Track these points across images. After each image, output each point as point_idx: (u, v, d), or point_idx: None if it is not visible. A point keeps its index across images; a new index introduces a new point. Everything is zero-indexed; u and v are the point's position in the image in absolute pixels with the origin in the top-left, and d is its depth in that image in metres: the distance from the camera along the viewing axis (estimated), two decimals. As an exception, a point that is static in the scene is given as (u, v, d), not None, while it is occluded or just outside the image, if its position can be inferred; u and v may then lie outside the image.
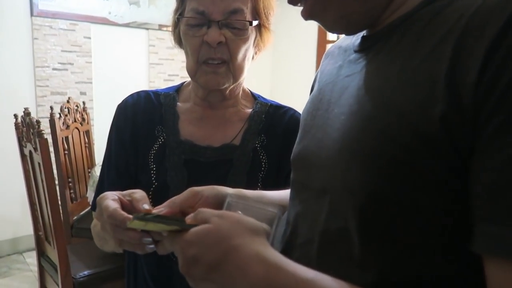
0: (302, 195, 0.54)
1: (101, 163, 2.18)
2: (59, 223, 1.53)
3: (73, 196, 2.11)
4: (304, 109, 0.62)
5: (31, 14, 2.60)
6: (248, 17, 0.75)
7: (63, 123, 2.07)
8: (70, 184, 2.08)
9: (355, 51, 0.53)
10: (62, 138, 2.05)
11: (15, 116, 1.72)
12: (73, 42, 2.80)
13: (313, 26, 3.60)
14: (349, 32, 0.53)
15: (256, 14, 0.77)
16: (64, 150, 2.05)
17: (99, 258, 1.74)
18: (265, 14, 0.78)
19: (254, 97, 0.90)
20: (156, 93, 0.86)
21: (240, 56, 0.76)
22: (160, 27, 3.20)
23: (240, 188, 0.65)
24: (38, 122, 1.48)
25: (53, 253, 1.63)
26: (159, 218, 0.47)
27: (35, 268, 2.46)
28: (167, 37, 3.21)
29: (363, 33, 0.53)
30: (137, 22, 3.07)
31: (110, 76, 3.01)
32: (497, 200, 0.35)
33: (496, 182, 0.35)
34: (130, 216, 0.52)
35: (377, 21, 0.49)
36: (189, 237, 0.44)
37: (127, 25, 3.02)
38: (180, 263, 0.44)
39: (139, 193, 0.57)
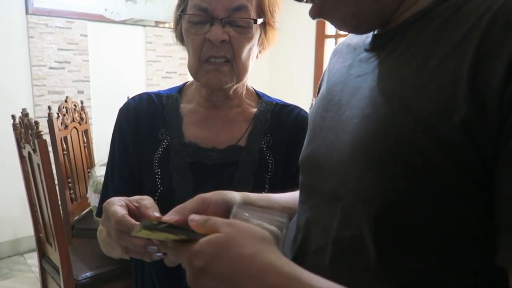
0: (313, 199, 0.52)
1: (100, 163, 2.17)
2: (60, 225, 1.51)
3: (73, 196, 2.09)
4: (312, 110, 0.59)
5: (26, 12, 2.57)
6: (253, 14, 0.73)
7: (61, 123, 2.05)
8: (70, 184, 2.06)
9: (366, 50, 0.51)
10: (61, 138, 2.03)
11: (13, 117, 1.70)
12: (69, 40, 2.76)
13: (311, 20, 3.56)
14: (360, 31, 0.51)
15: (261, 12, 0.75)
16: (63, 150, 2.03)
17: (101, 258, 1.73)
18: (270, 11, 0.76)
19: (259, 96, 0.88)
20: (158, 94, 0.84)
21: (244, 55, 0.74)
22: (157, 23, 3.17)
23: (246, 191, 0.63)
24: (36, 123, 1.46)
25: (54, 254, 1.61)
26: (166, 228, 0.46)
27: (36, 269, 2.45)
28: (165, 34, 3.19)
29: (374, 31, 0.50)
30: (134, 19, 3.04)
31: (107, 74, 2.98)
32: None
33: None
34: (138, 223, 0.50)
35: (389, 19, 0.47)
36: (198, 248, 0.42)
37: (123, 22, 2.99)
38: (188, 275, 0.43)
39: (147, 200, 0.56)
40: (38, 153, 1.45)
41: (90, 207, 2.10)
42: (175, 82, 3.33)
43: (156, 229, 0.45)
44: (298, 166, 0.79)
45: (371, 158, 0.41)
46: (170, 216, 0.52)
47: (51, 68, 2.71)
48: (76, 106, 2.27)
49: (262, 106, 0.84)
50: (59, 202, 1.57)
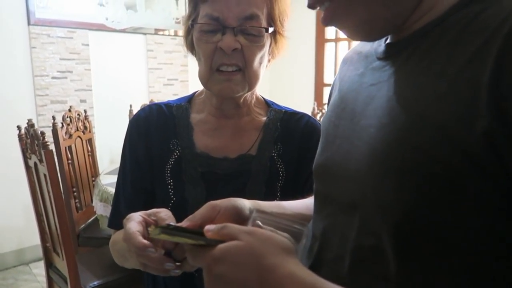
0: (328, 208, 0.52)
1: (105, 172, 2.17)
2: (67, 234, 1.52)
3: (78, 205, 2.10)
4: (325, 118, 0.60)
5: (28, 23, 2.59)
6: (264, 23, 0.73)
7: (65, 133, 2.06)
8: (75, 193, 2.07)
9: (379, 58, 0.51)
10: (65, 147, 2.04)
11: (19, 127, 1.71)
12: (71, 50, 2.78)
13: (311, 24, 3.59)
14: (371, 38, 0.51)
15: (271, 21, 0.75)
16: (67, 159, 2.04)
17: (107, 267, 1.73)
18: (280, 20, 0.76)
19: (268, 104, 0.88)
20: (168, 105, 0.85)
21: (255, 63, 0.74)
22: (156, 31, 3.19)
23: (259, 199, 0.64)
24: (42, 133, 1.47)
25: (61, 264, 1.62)
26: (181, 231, 0.46)
27: (42, 278, 2.45)
28: (165, 41, 3.20)
29: (386, 39, 0.51)
30: (135, 27, 3.06)
31: (109, 83, 3.00)
32: None
33: None
34: (147, 242, 0.52)
35: (401, 27, 0.47)
36: (217, 254, 0.42)
37: (124, 30, 3.01)
38: (206, 280, 0.43)
39: (164, 212, 0.57)
40: (44, 163, 1.46)
41: (96, 215, 2.10)
42: (177, 89, 3.35)
43: (173, 233, 0.45)
44: (309, 173, 0.80)
45: (390, 168, 0.41)
46: (182, 224, 0.53)
47: (53, 77, 2.73)
48: (79, 115, 2.28)
49: (271, 114, 0.85)
50: (66, 212, 1.58)
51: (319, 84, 3.70)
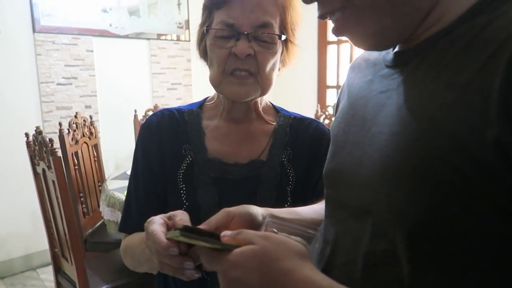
0: (340, 213, 0.53)
1: (111, 177, 2.18)
2: (75, 239, 1.53)
3: (85, 210, 2.12)
4: (334, 124, 0.61)
5: (33, 31, 2.61)
6: (276, 31, 0.75)
7: (72, 139, 2.08)
8: (82, 199, 2.09)
9: (388, 66, 0.52)
10: (72, 153, 2.06)
11: (26, 134, 1.73)
12: (75, 56, 2.81)
13: (313, 26, 3.60)
14: (380, 49, 0.52)
15: (283, 29, 0.77)
16: (74, 165, 2.06)
17: (115, 271, 1.75)
18: (291, 29, 0.78)
19: (276, 110, 0.89)
20: (180, 110, 0.86)
21: (268, 68, 0.76)
22: (159, 36, 3.21)
23: (270, 204, 0.65)
24: (51, 140, 1.49)
25: (70, 269, 1.63)
26: (199, 234, 0.47)
27: (50, 284, 2.47)
28: (168, 46, 3.22)
29: (394, 47, 0.52)
30: (138, 32, 3.08)
31: (114, 88, 3.02)
32: None
33: None
34: (170, 242, 0.53)
35: (410, 36, 0.48)
36: (234, 258, 0.43)
37: (128, 36, 3.04)
38: (223, 284, 0.44)
39: (179, 216, 0.59)
40: (53, 169, 1.48)
41: (103, 220, 2.12)
42: (180, 93, 3.37)
43: (192, 236, 0.46)
44: (318, 177, 0.81)
45: (402, 175, 0.42)
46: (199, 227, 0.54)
47: (58, 84, 2.75)
48: (85, 121, 2.30)
49: (280, 120, 0.86)
50: (74, 217, 1.60)
51: (321, 86, 3.71)
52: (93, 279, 1.66)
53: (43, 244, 1.88)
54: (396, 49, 0.51)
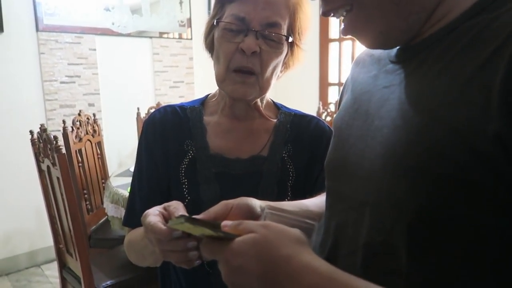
0: (341, 204, 0.54)
1: (115, 174, 2.21)
2: (80, 235, 1.56)
3: (89, 207, 2.14)
4: (338, 117, 0.62)
5: (37, 30, 2.64)
6: (284, 33, 0.77)
7: (75, 136, 2.10)
8: (86, 195, 2.12)
9: (392, 62, 0.53)
10: (76, 151, 2.08)
11: (31, 132, 1.75)
12: (79, 55, 2.83)
13: (315, 24, 3.61)
14: (387, 47, 0.53)
15: (291, 31, 0.79)
16: (78, 162, 2.08)
17: (119, 267, 1.77)
18: (299, 32, 0.80)
19: (277, 107, 0.91)
20: (182, 107, 0.87)
21: (270, 69, 0.77)
22: (162, 34, 3.23)
23: (271, 199, 0.66)
24: (55, 137, 1.51)
25: (75, 264, 1.65)
26: (199, 222, 0.48)
27: (54, 280, 2.50)
28: (170, 44, 3.23)
29: None
30: (140, 31, 3.10)
31: (117, 86, 3.04)
32: None
33: None
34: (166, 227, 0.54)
35: (415, 34, 0.49)
36: (235, 246, 0.43)
37: (130, 34, 3.05)
38: (225, 272, 0.44)
39: (174, 204, 0.60)
40: (57, 166, 1.50)
41: (106, 217, 2.14)
42: (183, 91, 3.38)
43: (193, 223, 0.47)
44: (319, 172, 0.82)
45: (404, 168, 0.43)
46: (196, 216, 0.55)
47: (62, 82, 2.78)
48: (89, 119, 2.32)
49: (281, 117, 0.88)
50: (79, 213, 1.62)
51: (323, 84, 3.72)
52: (97, 275, 1.69)
53: (48, 240, 1.90)
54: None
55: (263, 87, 0.79)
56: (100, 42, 2.92)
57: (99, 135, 2.42)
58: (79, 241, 1.56)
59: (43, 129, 1.61)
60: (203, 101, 0.90)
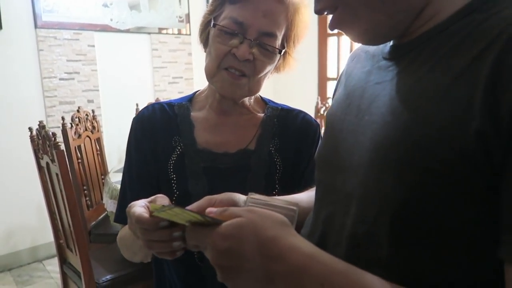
0: (330, 197, 0.56)
1: (114, 170, 2.22)
2: (79, 230, 1.57)
3: (89, 203, 2.16)
4: (330, 111, 0.63)
5: (35, 26, 2.64)
6: (279, 42, 0.77)
7: (75, 133, 2.12)
8: (85, 191, 2.13)
9: (385, 58, 0.54)
10: (75, 147, 2.09)
11: (30, 129, 1.76)
12: (77, 51, 2.83)
13: (313, 19, 3.60)
14: (375, 43, 0.54)
15: (285, 41, 0.79)
16: (77, 159, 2.10)
17: (119, 262, 1.79)
18: (294, 42, 0.81)
19: (265, 101, 0.92)
20: (170, 104, 0.88)
21: (261, 75, 0.79)
22: (161, 30, 3.23)
23: (258, 191, 0.67)
24: (54, 134, 1.52)
25: (75, 259, 1.67)
26: (181, 209, 0.48)
27: (56, 275, 2.53)
28: (169, 40, 3.22)
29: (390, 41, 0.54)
30: (139, 27, 3.10)
31: (116, 83, 3.05)
32: None
33: None
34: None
35: (405, 32, 0.50)
36: (223, 230, 0.45)
37: (129, 30, 3.06)
38: (212, 256, 0.45)
39: (159, 197, 0.61)
40: (56, 163, 1.51)
41: (106, 212, 2.16)
42: (182, 86, 3.39)
43: (176, 211, 0.48)
44: (306, 165, 0.84)
45: (390, 161, 0.45)
46: None
47: (61, 79, 2.79)
48: (88, 116, 2.34)
49: (268, 111, 0.89)
50: (78, 209, 1.64)
51: (322, 78, 3.72)
52: (98, 270, 1.71)
53: (49, 236, 1.92)
54: (393, 42, 0.54)
55: (253, 89, 0.80)
56: (99, 38, 2.92)
57: (98, 131, 2.43)
58: (78, 236, 1.57)
59: (41, 126, 1.62)
60: (191, 98, 0.91)
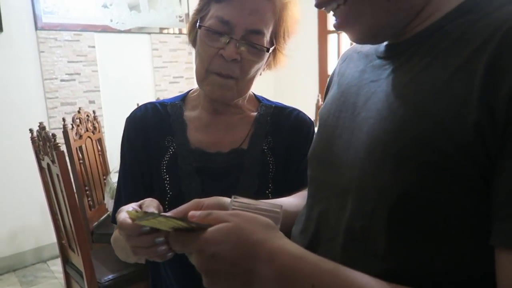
0: (324, 193, 0.56)
1: (115, 170, 2.23)
2: (81, 230, 1.58)
3: (91, 203, 2.17)
4: (323, 110, 0.63)
5: (36, 28, 2.65)
6: (267, 40, 0.76)
7: (76, 134, 2.13)
8: (87, 192, 2.14)
9: (379, 57, 0.55)
10: (76, 148, 2.10)
11: (31, 130, 1.77)
12: (78, 52, 2.85)
13: (313, 16, 3.60)
14: (375, 41, 0.55)
15: (274, 38, 0.78)
16: (79, 159, 2.11)
17: (121, 262, 1.77)
18: (284, 38, 0.80)
19: (258, 99, 0.92)
20: (163, 103, 0.88)
21: (250, 75, 0.78)
22: (161, 30, 3.24)
23: (252, 191, 0.67)
24: (54, 135, 1.53)
25: (77, 259, 1.68)
26: (164, 217, 0.48)
27: (60, 275, 2.54)
28: (169, 40, 3.22)
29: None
30: (139, 27, 3.11)
31: (116, 83, 3.06)
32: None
33: None
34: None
35: (402, 31, 0.51)
36: (209, 236, 0.45)
37: (129, 31, 3.06)
38: (199, 261, 0.45)
39: (146, 202, 0.61)
40: (57, 164, 1.52)
41: (108, 212, 2.17)
42: (182, 86, 3.40)
43: (158, 219, 0.47)
44: (299, 163, 0.83)
45: (388, 154, 0.45)
46: (164, 214, 0.56)
47: (62, 80, 2.80)
48: (89, 116, 2.35)
49: (262, 109, 0.88)
50: (79, 209, 1.65)
51: (323, 76, 3.71)
52: (100, 269, 1.72)
53: (53, 237, 1.93)
54: (388, 42, 0.54)
55: (242, 90, 0.80)
56: (99, 39, 2.93)
57: (99, 132, 2.44)
58: (80, 236, 1.58)
59: (42, 127, 1.63)
60: (184, 97, 0.91)
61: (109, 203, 1.85)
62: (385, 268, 0.45)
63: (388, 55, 0.53)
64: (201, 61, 0.78)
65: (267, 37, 0.76)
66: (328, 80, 0.70)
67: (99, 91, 2.97)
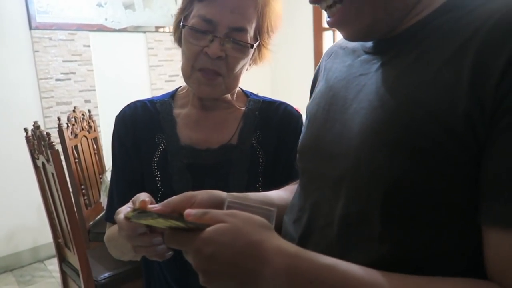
0: (316, 183, 0.57)
1: (111, 168, 2.23)
2: (77, 229, 1.59)
3: (87, 202, 2.17)
4: (312, 104, 0.64)
5: (30, 28, 2.65)
6: (251, 36, 0.77)
7: (71, 133, 2.13)
8: (83, 191, 2.14)
9: (367, 52, 0.56)
10: (72, 147, 2.10)
11: (25, 130, 1.78)
12: (73, 52, 2.84)
13: (308, 13, 3.60)
14: (369, 39, 0.56)
15: (258, 33, 0.79)
16: (74, 158, 2.11)
17: (117, 260, 1.78)
18: (268, 33, 0.80)
19: (246, 95, 0.92)
20: (152, 101, 0.88)
21: (236, 71, 0.78)
22: (157, 28, 3.23)
23: (241, 186, 0.68)
24: (48, 134, 1.53)
25: (73, 258, 1.69)
26: (159, 215, 0.48)
27: (57, 274, 2.54)
28: (165, 38, 3.21)
29: None
30: (134, 26, 3.11)
31: (112, 82, 3.06)
32: (501, 182, 0.40)
33: (502, 168, 0.40)
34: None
35: (394, 28, 0.52)
36: (207, 236, 0.45)
37: (124, 30, 3.06)
38: (196, 261, 0.45)
39: (142, 195, 0.60)
40: (51, 163, 1.52)
41: (104, 211, 2.17)
42: (178, 85, 3.32)
43: (153, 216, 0.47)
44: (287, 156, 0.84)
45: (382, 141, 0.47)
46: (155, 206, 0.56)
47: (57, 80, 2.80)
48: (84, 115, 2.35)
49: (250, 104, 0.89)
50: (75, 208, 1.65)
51: (319, 73, 3.72)
52: (96, 267, 1.72)
53: (50, 236, 1.94)
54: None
55: (230, 87, 0.80)
56: (94, 38, 2.93)
57: (95, 130, 2.44)
58: (75, 235, 1.59)
59: (36, 126, 1.64)
60: (173, 94, 0.91)
61: (105, 201, 1.85)
62: (382, 252, 0.46)
63: (376, 51, 0.55)
64: (186, 59, 0.78)
65: (250, 33, 0.77)
66: (313, 76, 0.71)
67: (94, 90, 2.97)
